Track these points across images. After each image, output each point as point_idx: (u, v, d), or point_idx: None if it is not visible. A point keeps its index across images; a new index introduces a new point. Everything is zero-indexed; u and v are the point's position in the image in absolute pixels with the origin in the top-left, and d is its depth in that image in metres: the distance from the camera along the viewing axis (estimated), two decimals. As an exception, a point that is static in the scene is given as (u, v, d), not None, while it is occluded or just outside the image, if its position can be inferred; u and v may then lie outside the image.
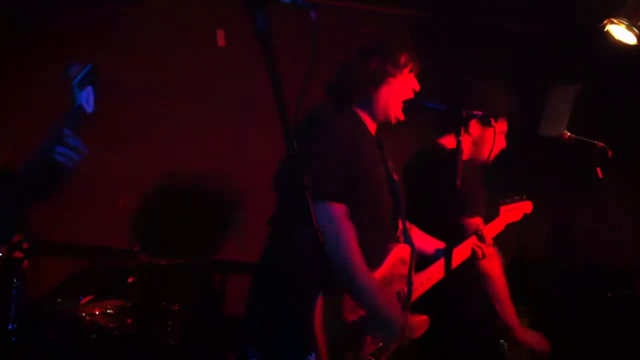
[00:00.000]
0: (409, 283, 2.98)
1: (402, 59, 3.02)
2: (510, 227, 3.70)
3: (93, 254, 3.63)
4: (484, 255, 3.38)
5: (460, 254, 3.32)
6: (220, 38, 4.49)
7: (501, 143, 3.75)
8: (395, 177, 3.10)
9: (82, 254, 3.57)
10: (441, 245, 3.32)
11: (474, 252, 3.37)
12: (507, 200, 3.69)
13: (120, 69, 4.19)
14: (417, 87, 3.05)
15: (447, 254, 2.93)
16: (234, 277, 4.37)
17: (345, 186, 2.75)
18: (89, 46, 3.91)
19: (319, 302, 2.63)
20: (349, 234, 2.70)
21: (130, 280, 3.66)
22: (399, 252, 2.99)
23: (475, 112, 3.03)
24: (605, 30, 4.14)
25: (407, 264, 2.99)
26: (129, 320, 3.58)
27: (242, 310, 2.97)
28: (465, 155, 3.31)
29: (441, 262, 3.21)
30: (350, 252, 2.70)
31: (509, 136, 3.78)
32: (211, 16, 4.39)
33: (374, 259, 2.89)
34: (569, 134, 3.92)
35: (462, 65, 4.85)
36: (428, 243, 3.35)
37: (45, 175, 2.13)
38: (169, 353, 3.64)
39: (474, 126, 3.65)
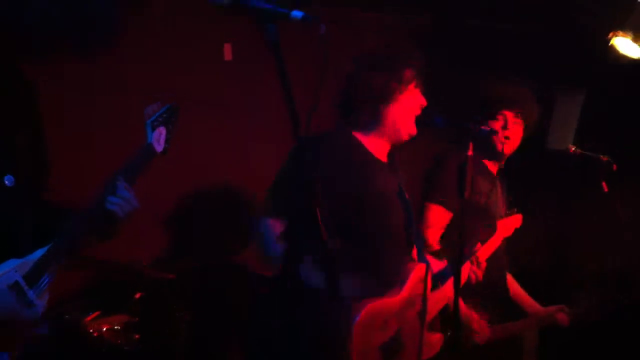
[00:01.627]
0: (424, 301, 2.97)
1: (408, 74, 3.00)
2: (512, 238, 3.70)
3: (100, 268, 3.62)
4: (477, 281, 3.35)
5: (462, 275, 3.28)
6: (228, 52, 4.50)
7: (516, 135, 3.75)
8: (407, 196, 3.09)
9: (89, 268, 3.57)
10: (441, 265, 3.29)
11: (469, 277, 3.34)
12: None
13: (125, 82, 4.20)
14: (424, 103, 3.04)
15: (455, 274, 2.91)
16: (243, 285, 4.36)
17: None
18: (93, 59, 3.91)
19: (357, 327, 2.63)
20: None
21: (137, 296, 3.66)
22: (419, 272, 2.97)
23: (483, 128, 3.04)
24: (611, 43, 4.15)
25: (423, 283, 2.99)
26: (137, 336, 3.57)
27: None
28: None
29: (443, 288, 3.19)
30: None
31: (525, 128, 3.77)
32: (218, 30, 4.40)
33: (395, 280, 2.89)
34: (574, 148, 3.93)
35: (470, 73, 4.84)
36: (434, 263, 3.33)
37: (100, 220, 2.20)
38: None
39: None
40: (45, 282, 2.11)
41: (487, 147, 3.69)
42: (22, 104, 2.23)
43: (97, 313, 3.58)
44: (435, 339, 3.10)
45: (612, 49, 4.16)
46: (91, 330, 3.46)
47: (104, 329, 3.49)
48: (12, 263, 2.04)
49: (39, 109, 2.31)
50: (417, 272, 2.96)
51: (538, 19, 4.84)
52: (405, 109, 3.00)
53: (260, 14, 2.00)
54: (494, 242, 3.55)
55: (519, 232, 3.70)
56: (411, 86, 3.01)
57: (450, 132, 3.45)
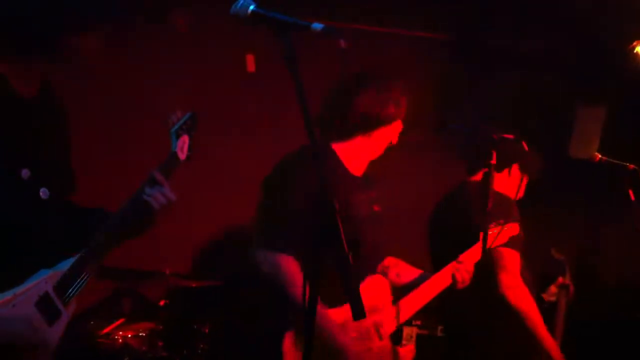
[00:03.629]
0: (387, 314, 2.98)
1: (402, 101, 3.01)
2: (536, 247, 3.67)
3: (125, 276, 3.66)
4: (464, 282, 3.28)
5: (442, 281, 3.20)
6: (251, 63, 4.53)
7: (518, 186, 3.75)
8: (375, 208, 3.07)
9: (114, 277, 3.61)
10: (420, 273, 3.25)
11: (453, 277, 3.23)
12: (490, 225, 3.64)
13: (146, 94, 4.25)
14: (401, 130, 3.06)
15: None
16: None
17: (291, 239, 2.77)
18: (115, 71, 3.96)
19: (288, 339, 2.66)
20: (294, 280, 2.74)
21: (161, 303, 3.69)
22: (371, 285, 2.98)
23: (506, 136, 3.03)
24: (635, 51, 4.12)
25: (382, 296, 2.99)
26: (160, 343, 3.60)
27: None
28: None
29: (421, 289, 3.15)
30: (296, 294, 2.68)
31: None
32: (241, 41, 4.44)
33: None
34: (600, 156, 3.89)
35: (489, 87, 4.85)
36: (411, 273, 3.28)
37: (135, 214, 2.22)
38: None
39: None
40: (74, 291, 2.12)
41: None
42: (52, 116, 2.26)
43: (121, 320, 3.62)
44: (404, 351, 3.07)
45: (636, 57, 4.13)
46: (116, 337, 3.50)
47: (129, 336, 3.52)
48: (42, 274, 2.06)
49: (67, 120, 2.35)
50: (368, 284, 2.96)
51: (560, 35, 4.84)
52: (397, 131, 3.05)
53: (281, 26, 2.02)
54: (478, 249, 3.46)
55: (537, 243, 3.68)
56: (403, 110, 3.04)
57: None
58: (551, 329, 3.79)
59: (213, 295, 4.06)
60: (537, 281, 3.85)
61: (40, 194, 2.13)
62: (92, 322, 3.55)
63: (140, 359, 3.54)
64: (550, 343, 3.49)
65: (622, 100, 4.86)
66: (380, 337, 2.96)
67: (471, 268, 3.26)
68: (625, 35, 4.20)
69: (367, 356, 2.90)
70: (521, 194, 3.81)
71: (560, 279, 4.15)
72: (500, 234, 3.47)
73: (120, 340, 3.51)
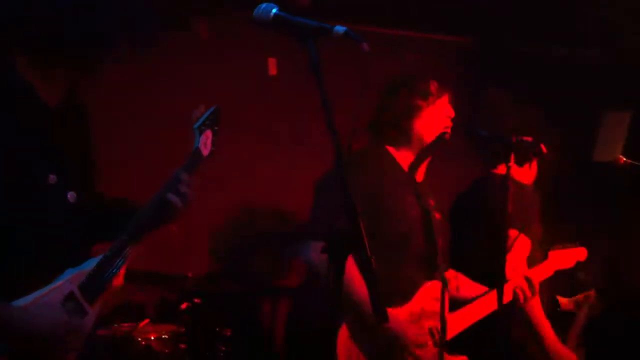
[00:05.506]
0: (443, 321, 2.96)
1: (430, 88, 3.05)
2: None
3: (147, 279, 3.68)
4: (526, 299, 3.30)
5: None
6: (272, 66, 4.54)
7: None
8: (437, 216, 3.09)
9: (137, 279, 3.63)
10: (483, 290, 3.26)
11: (515, 294, 3.27)
12: (559, 245, 3.62)
13: (164, 97, 4.28)
14: (452, 113, 3.08)
15: (498, 288, 2.88)
16: (286, 303, 4.39)
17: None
18: (133, 74, 4.00)
19: (342, 333, 2.67)
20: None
21: (183, 306, 3.70)
22: (431, 290, 2.98)
23: (525, 139, 3.02)
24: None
25: (439, 302, 2.97)
26: (183, 346, 3.61)
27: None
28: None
29: (477, 303, 3.18)
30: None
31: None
32: (263, 44, 4.46)
33: (403, 294, 2.90)
34: (624, 158, 3.87)
35: (509, 91, 4.83)
36: (472, 289, 3.30)
37: (159, 212, 2.23)
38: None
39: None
40: (100, 290, 2.14)
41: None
42: (77, 122, 2.29)
43: (146, 321, 3.64)
44: None
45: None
46: (139, 339, 3.51)
47: (152, 338, 3.54)
48: (68, 273, 2.08)
49: (92, 125, 2.37)
50: (428, 289, 2.96)
51: (583, 43, 4.82)
52: (432, 121, 3.05)
53: (303, 29, 2.02)
54: (546, 269, 3.48)
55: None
56: (436, 98, 3.05)
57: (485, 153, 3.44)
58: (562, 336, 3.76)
59: (235, 299, 4.07)
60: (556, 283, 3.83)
61: (68, 197, 2.15)
62: (115, 325, 3.57)
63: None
64: (549, 333, 3.46)
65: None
66: (435, 344, 2.96)
67: (537, 286, 3.27)
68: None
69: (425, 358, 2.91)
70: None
71: (585, 293, 4.10)
72: (567, 256, 3.48)
73: (143, 343, 3.52)
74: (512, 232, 3.36)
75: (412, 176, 3.10)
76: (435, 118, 3.06)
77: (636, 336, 4.68)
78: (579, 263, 3.65)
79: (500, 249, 2.87)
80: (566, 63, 4.98)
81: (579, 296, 4.08)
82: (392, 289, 2.85)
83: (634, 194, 4.18)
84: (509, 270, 3.26)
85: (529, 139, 3.07)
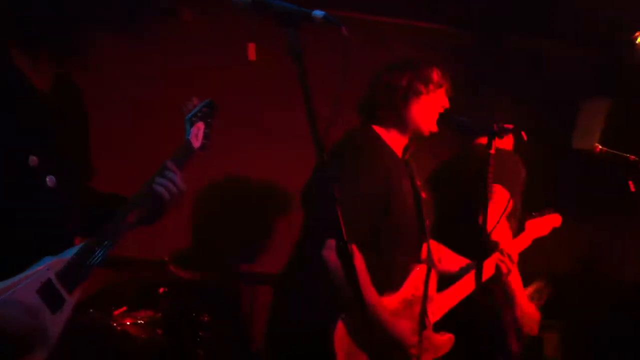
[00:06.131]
0: (424, 302, 2.99)
1: (433, 76, 3.04)
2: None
3: (125, 265, 3.66)
4: (509, 271, 3.34)
5: (485, 270, 3.25)
6: (252, 52, 4.51)
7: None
8: (423, 195, 3.10)
9: (114, 265, 3.60)
10: (466, 262, 3.29)
11: (498, 268, 3.33)
12: (534, 214, 3.66)
13: (146, 81, 4.23)
14: (447, 104, 3.08)
15: (477, 267, 2.93)
16: (264, 290, 4.38)
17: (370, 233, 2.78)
18: (117, 58, 3.95)
19: (339, 327, 2.65)
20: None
21: (160, 291, 3.69)
22: (420, 274, 2.99)
23: (507, 126, 3.04)
24: (638, 42, 4.12)
25: (430, 285, 3.01)
26: (159, 331, 3.60)
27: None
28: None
29: (463, 281, 3.21)
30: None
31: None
32: (243, 29, 4.42)
33: (395, 281, 2.90)
34: (600, 147, 3.89)
35: (492, 80, 4.85)
36: (454, 262, 3.33)
37: (146, 203, 2.22)
38: (199, 364, 3.66)
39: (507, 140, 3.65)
40: (79, 279, 2.11)
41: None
42: (65, 106, 2.26)
43: (124, 308, 3.62)
44: (443, 340, 3.09)
45: (638, 47, 4.13)
46: (115, 325, 3.49)
47: (128, 324, 3.52)
48: (46, 260, 2.05)
49: (82, 111, 2.34)
50: (418, 273, 2.98)
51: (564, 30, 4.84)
52: (429, 108, 3.05)
53: (282, 13, 1.99)
54: (525, 239, 3.52)
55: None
56: (436, 87, 3.05)
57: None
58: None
59: (212, 285, 4.06)
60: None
61: (47, 181, 2.12)
62: (91, 310, 3.55)
63: (139, 347, 3.53)
64: (523, 298, 3.51)
65: (625, 92, 4.87)
66: (425, 327, 2.97)
67: (516, 258, 3.32)
68: (626, 26, 4.20)
69: (419, 345, 2.92)
70: None
71: (537, 285, 4.14)
72: (544, 224, 3.51)
73: (119, 328, 3.50)
74: (495, 187, 3.38)
75: (404, 159, 3.09)
76: (432, 106, 3.05)
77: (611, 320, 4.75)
78: (554, 229, 3.67)
79: (483, 216, 2.90)
80: (557, 57, 5.01)
81: (530, 289, 4.11)
82: (387, 277, 2.85)
83: (613, 182, 4.20)
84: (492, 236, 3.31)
85: (510, 126, 3.08)
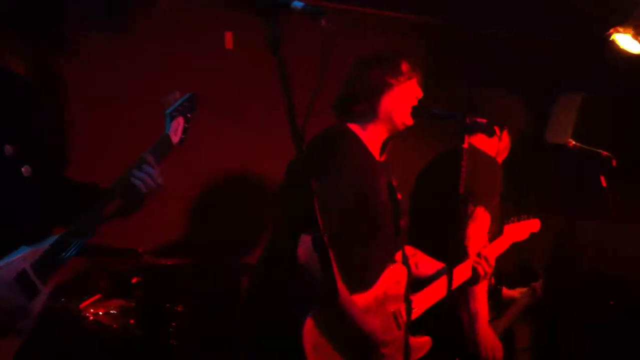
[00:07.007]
0: (407, 303, 2.98)
1: (402, 67, 3.03)
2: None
3: (98, 253, 3.63)
4: (486, 274, 3.35)
5: (462, 273, 3.28)
6: (229, 40, 4.48)
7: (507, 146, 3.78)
8: (399, 196, 3.10)
9: (86, 253, 3.57)
10: (442, 266, 3.29)
11: (475, 271, 3.32)
12: (513, 218, 3.67)
13: (125, 69, 4.19)
14: (420, 94, 3.07)
15: (448, 272, 2.93)
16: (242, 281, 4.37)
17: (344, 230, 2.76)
18: (95, 46, 3.90)
19: (308, 324, 2.66)
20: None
21: (134, 280, 3.67)
22: (393, 273, 2.99)
23: (479, 120, 3.04)
24: (611, 39, 4.16)
25: (402, 285, 2.99)
26: (132, 321, 3.58)
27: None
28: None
29: (438, 283, 3.22)
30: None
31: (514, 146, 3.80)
32: (220, 18, 4.39)
33: (368, 279, 2.91)
34: (573, 142, 3.93)
35: (468, 72, 4.87)
36: (430, 265, 3.32)
37: (122, 196, 2.20)
38: (172, 354, 3.65)
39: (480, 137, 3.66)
40: (54, 269, 2.10)
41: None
42: (45, 96, 2.23)
43: (97, 296, 3.60)
44: (421, 342, 3.10)
45: (613, 45, 4.17)
46: (87, 315, 3.47)
47: (100, 313, 3.50)
48: (22, 251, 2.03)
49: (62, 101, 2.32)
50: (391, 273, 2.98)
51: (539, 25, 4.87)
52: (401, 100, 3.03)
53: (261, 3, 1.99)
54: (502, 243, 3.53)
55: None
56: (407, 78, 3.04)
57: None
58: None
59: (186, 274, 4.05)
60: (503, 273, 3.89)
61: (23, 170, 2.10)
62: (63, 299, 3.52)
63: (112, 337, 3.52)
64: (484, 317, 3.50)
65: (601, 88, 4.92)
66: (399, 327, 2.97)
67: (493, 262, 3.31)
68: (604, 22, 4.23)
69: (392, 345, 2.91)
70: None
71: (533, 285, 4.17)
72: (522, 228, 3.52)
73: (91, 318, 3.48)
74: (472, 207, 3.39)
75: (379, 157, 3.08)
76: (403, 98, 3.03)
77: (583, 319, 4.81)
78: (532, 234, 3.70)
79: (460, 224, 2.89)
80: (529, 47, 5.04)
81: (525, 288, 4.13)
82: (360, 275, 2.85)
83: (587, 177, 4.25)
84: (469, 245, 3.32)
85: (483, 120, 3.08)
